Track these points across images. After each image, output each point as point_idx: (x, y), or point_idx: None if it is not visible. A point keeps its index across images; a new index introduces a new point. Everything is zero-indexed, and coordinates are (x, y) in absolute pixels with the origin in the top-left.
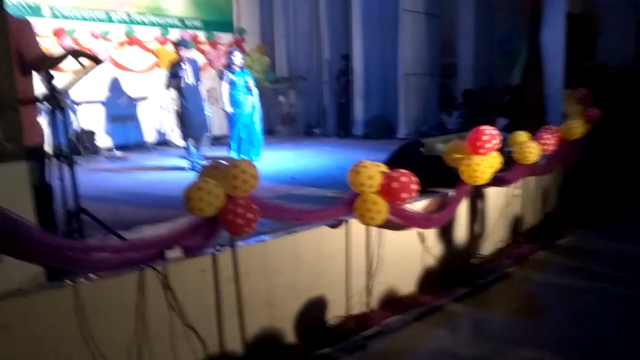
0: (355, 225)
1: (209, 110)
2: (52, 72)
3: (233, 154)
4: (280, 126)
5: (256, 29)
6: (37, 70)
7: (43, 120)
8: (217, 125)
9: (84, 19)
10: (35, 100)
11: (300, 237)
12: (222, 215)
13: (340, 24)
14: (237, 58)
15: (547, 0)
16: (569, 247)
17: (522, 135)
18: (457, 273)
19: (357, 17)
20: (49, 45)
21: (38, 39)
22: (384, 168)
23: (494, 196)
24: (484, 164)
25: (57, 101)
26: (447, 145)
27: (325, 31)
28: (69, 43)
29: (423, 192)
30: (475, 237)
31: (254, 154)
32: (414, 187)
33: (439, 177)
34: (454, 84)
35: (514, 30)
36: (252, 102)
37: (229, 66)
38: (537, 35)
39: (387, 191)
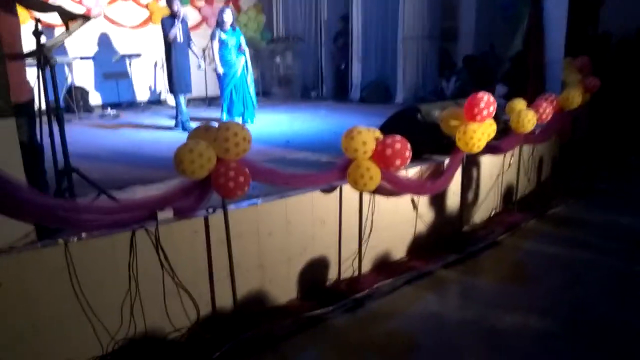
0: (349, 191)
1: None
2: (40, 26)
3: (224, 116)
4: (276, 88)
5: None
6: (21, 3)
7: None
8: (210, 86)
9: None
10: (22, 55)
11: (293, 201)
12: (213, 178)
13: None
14: (228, 16)
15: None
16: (561, 216)
17: (519, 103)
18: (448, 240)
19: None
20: None
21: None
22: (378, 134)
23: (488, 164)
24: (480, 132)
25: (45, 57)
26: (443, 112)
27: None
28: None
29: (418, 158)
30: (468, 205)
31: (248, 117)
32: (408, 153)
33: (435, 144)
34: (454, 49)
35: None
36: (244, 63)
37: (220, 25)
38: (540, 1)
39: (381, 157)
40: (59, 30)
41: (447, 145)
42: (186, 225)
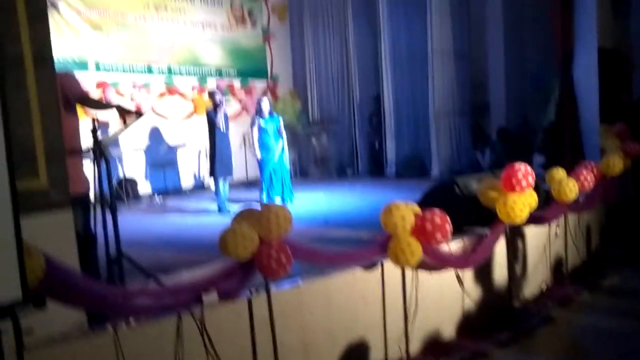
0: (390, 267)
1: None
2: (96, 123)
3: (264, 197)
4: (313, 168)
5: (289, 75)
6: (82, 105)
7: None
8: (251, 169)
9: (127, 71)
10: (81, 150)
11: (334, 279)
12: (256, 259)
13: (370, 66)
14: (265, 104)
15: (578, 36)
16: (615, 287)
17: (559, 172)
18: (498, 316)
19: (387, 58)
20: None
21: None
22: (416, 208)
23: (534, 235)
24: (520, 202)
25: (101, 151)
26: (481, 183)
27: (356, 73)
28: (113, 95)
29: (458, 232)
30: (515, 278)
31: (287, 197)
32: (448, 227)
33: (474, 216)
34: (487, 122)
35: (545, 67)
36: (281, 147)
37: (258, 113)
38: (570, 71)
39: (421, 232)
40: (114, 127)
41: (488, 217)
42: (230, 308)
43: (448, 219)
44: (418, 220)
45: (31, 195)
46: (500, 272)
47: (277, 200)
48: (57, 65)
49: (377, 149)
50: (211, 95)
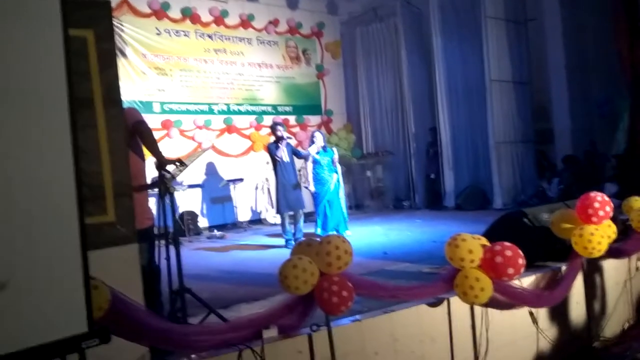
0: (458, 304)
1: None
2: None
3: (319, 231)
4: (368, 200)
5: (342, 109)
6: (139, 135)
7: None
8: (306, 202)
9: (189, 112)
10: (147, 187)
11: (398, 316)
12: (316, 293)
13: (425, 98)
14: (319, 139)
15: None
16: None
17: (638, 201)
18: (576, 358)
19: (442, 89)
20: (158, 136)
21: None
22: (484, 241)
23: (614, 270)
24: (598, 234)
25: (166, 187)
26: (554, 214)
27: (410, 105)
28: (175, 134)
29: (530, 266)
30: (595, 316)
31: (342, 229)
32: (521, 261)
33: (546, 250)
34: (552, 150)
35: (611, 92)
36: (336, 179)
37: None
38: None
39: (491, 266)
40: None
41: (562, 250)
42: (290, 344)
43: (520, 252)
44: (487, 254)
45: (99, 230)
46: (577, 309)
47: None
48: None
49: (434, 180)
50: (273, 128)
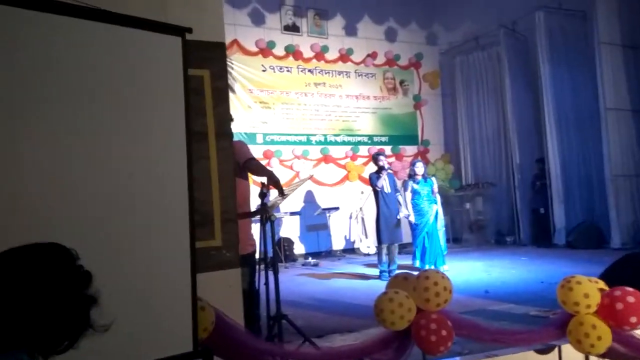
0: (570, 353)
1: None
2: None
3: (417, 263)
4: (467, 234)
5: (440, 139)
6: (249, 170)
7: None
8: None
9: (289, 142)
10: (251, 214)
11: None
12: (414, 330)
13: (531, 127)
14: (419, 168)
15: None
16: None
17: None
18: None
19: (550, 117)
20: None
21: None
22: (602, 285)
23: None
24: None
25: (268, 214)
26: None
27: (515, 135)
28: (275, 163)
29: None
30: None
31: (439, 263)
32: None
33: None
34: None
35: None
36: (435, 210)
37: (411, 176)
38: None
39: (610, 313)
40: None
41: None
42: None
43: None
44: (605, 299)
45: (207, 254)
46: None
47: (431, 267)
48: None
49: (542, 214)
50: (375, 158)
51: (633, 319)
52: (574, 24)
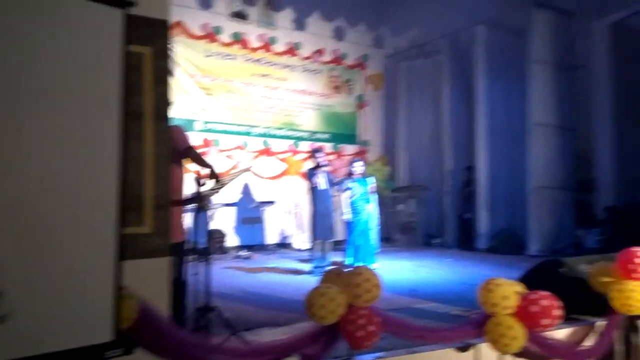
0: (486, 352)
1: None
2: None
3: (349, 260)
4: (399, 235)
5: (379, 140)
6: (186, 157)
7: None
8: (337, 230)
9: (228, 132)
10: (185, 202)
11: (423, 357)
12: (343, 325)
13: (464, 136)
14: (359, 167)
15: None
16: None
17: None
18: None
19: (482, 129)
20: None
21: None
22: (520, 288)
23: None
24: (639, 290)
25: (202, 203)
26: (593, 267)
27: (448, 142)
28: (213, 152)
29: (565, 318)
30: None
31: (369, 261)
32: (557, 312)
33: (582, 303)
34: (593, 200)
35: None
36: (370, 210)
37: (350, 175)
38: None
39: (525, 315)
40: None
41: (598, 304)
42: None
43: (557, 302)
44: (522, 301)
45: (134, 241)
46: None
47: (362, 264)
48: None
49: (467, 220)
50: (313, 154)
51: (546, 321)
52: (511, 41)
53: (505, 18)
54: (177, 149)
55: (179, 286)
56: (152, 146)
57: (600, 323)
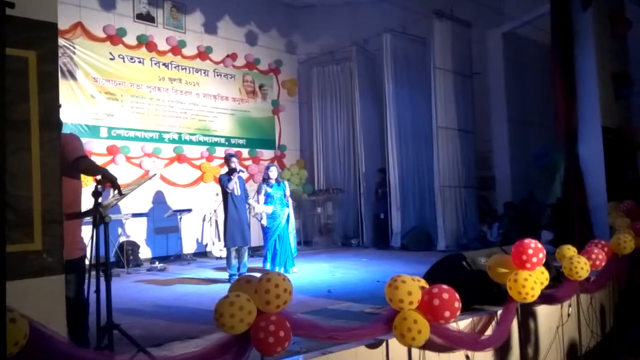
0: (396, 346)
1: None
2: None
3: (268, 266)
4: (317, 237)
5: (296, 145)
6: (79, 170)
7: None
8: (255, 236)
9: (138, 139)
10: (80, 215)
11: (336, 358)
12: (253, 332)
13: (376, 139)
14: (273, 172)
15: (582, 116)
16: None
17: (569, 250)
18: None
19: (392, 132)
20: (102, 162)
21: (93, 157)
22: (423, 283)
23: (546, 316)
24: (532, 280)
25: (100, 216)
26: (491, 259)
27: (362, 146)
28: (122, 161)
29: (468, 309)
30: None
31: (289, 265)
32: (457, 304)
33: (484, 293)
34: (493, 196)
35: (548, 145)
36: (287, 214)
37: (265, 180)
38: (575, 149)
39: (428, 308)
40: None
41: (498, 294)
42: None
43: (457, 295)
44: (425, 296)
45: (23, 259)
46: (511, 353)
47: (281, 269)
48: (68, 131)
49: (382, 219)
50: (227, 159)
51: (447, 314)
52: (415, 49)
53: (409, 27)
54: (68, 159)
55: (78, 306)
56: (40, 157)
57: (499, 312)
